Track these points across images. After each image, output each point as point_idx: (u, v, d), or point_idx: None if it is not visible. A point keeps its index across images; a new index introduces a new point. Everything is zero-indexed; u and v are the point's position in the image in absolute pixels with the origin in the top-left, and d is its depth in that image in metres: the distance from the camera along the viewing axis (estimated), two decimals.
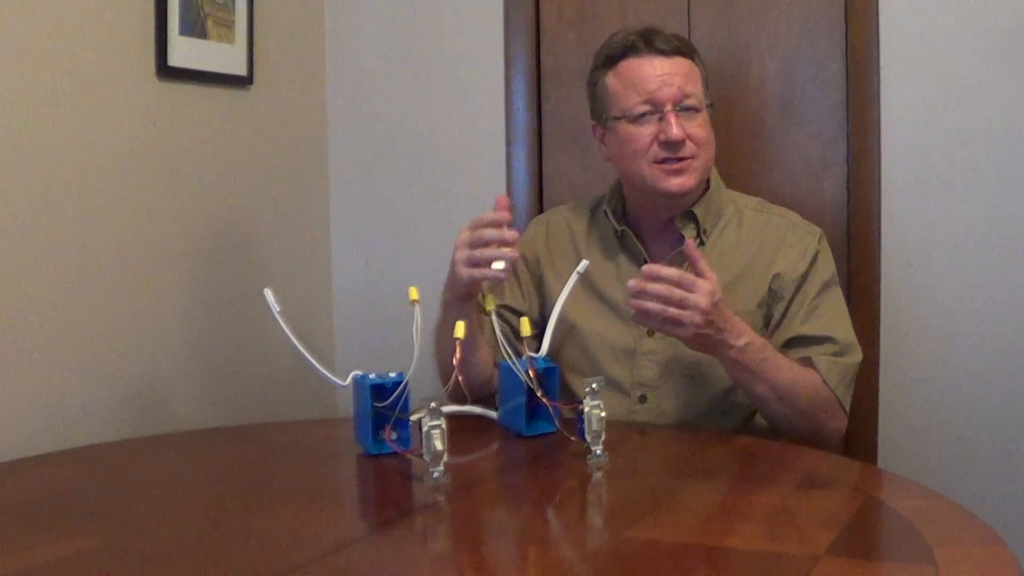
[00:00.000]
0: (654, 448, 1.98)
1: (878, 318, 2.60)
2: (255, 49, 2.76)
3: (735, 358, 1.97)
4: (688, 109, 2.12)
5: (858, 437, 2.58)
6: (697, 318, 1.90)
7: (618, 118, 2.15)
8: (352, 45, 3.04)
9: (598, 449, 1.79)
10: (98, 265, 2.35)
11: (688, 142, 2.11)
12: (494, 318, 1.97)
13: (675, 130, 2.09)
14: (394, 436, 1.79)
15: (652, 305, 1.91)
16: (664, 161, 2.12)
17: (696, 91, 2.13)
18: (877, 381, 2.60)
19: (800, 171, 2.68)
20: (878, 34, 2.58)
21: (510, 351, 1.91)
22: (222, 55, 2.66)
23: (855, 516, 1.56)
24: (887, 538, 1.54)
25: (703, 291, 1.90)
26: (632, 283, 1.91)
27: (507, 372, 1.95)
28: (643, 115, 2.12)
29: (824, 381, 2.06)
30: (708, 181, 2.22)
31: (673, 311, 1.90)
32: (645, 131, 2.12)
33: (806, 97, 2.67)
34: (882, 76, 2.58)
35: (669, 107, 2.10)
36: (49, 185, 2.24)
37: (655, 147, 2.12)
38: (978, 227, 2.53)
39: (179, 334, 2.57)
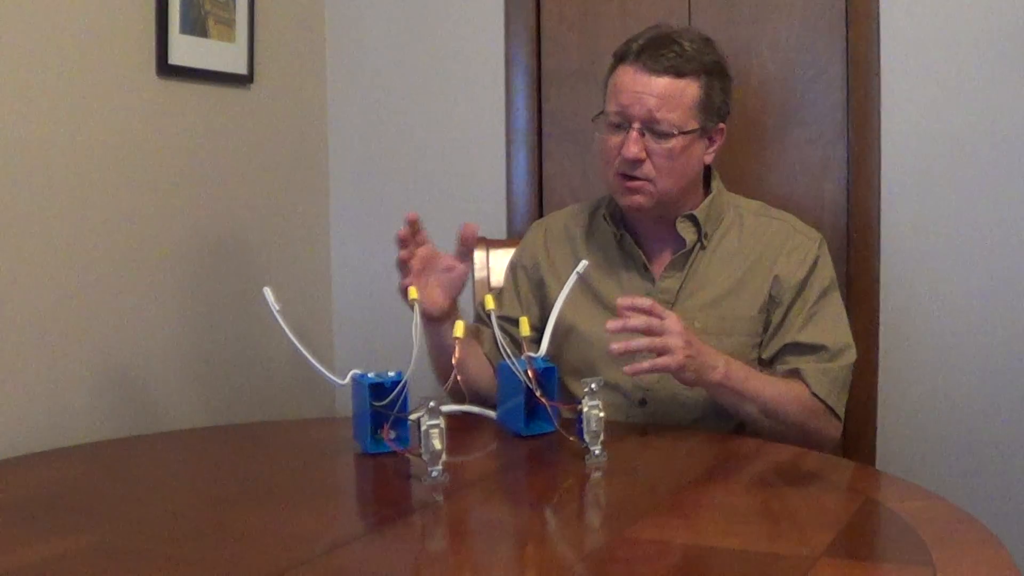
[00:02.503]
0: (653, 448, 1.98)
1: (877, 320, 2.60)
2: (256, 48, 2.76)
3: (720, 381, 1.98)
4: (656, 133, 2.09)
5: (856, 438, 2.59)
6: (679, 340, 1.91)
7: (602, 117, 2.16)
8: (353, 44, 3.04)
9: (597, 449, 1.79)
10: (97, 263, 2.35)
11: (647, 164, 2.09)
12: (494, 322, 1.97)
13: (629, 149, 2.08)
14: (393, 435, 1.79)
15: (639, 342, 1.91)
16: (624, 175, 2.12)
17: (673, 116, 2.08)
18: (876, 383, 2.60)
19: (800, 173, 2.68)
20: (879, 36, 2.58)
21: (509, 352, 1.91)
22: (223, 53, 2.66)
23: (853, 517, 1.56)
24: (885, 539, 1.54)
25: (671, 317, 1.93)
26: (611, 324, 1.90)
27: (506, 372, 1.95)
28: (616, 124, 2.12)
29: (813, 393, 2.07)
30: (710, 185, 2.22)
31: (659, 340, 1.90)
32: (614, 141, 2.12)
33: (806, 99, 2.67)
34: (882, 78, 2.58)
35: (636, 125, 2.08)
36: (48, 182, 2.23)
37: (618, 158, 2.12)
38: (978, 229, 2.53)
39: (178, 332, 2.57)
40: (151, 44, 2.47)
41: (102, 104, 2.35)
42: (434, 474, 1.67)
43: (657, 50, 2.09)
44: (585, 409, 1.80)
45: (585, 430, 1.80)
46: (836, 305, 2.17)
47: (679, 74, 2.09)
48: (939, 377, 2.59)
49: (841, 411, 2.11)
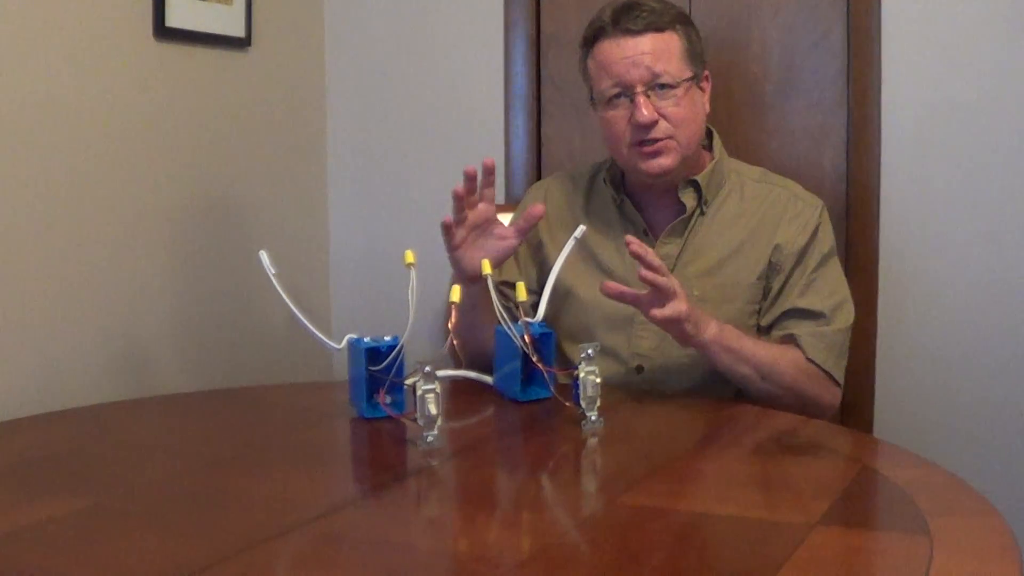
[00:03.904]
0: (649, 415, 1.97)
1: (876, 288, 2.60)
2: (253, 10, 2.74)
3: (715, 338, 1.98)
4: (661, 88, 2.09)
5: (854, 407, 2.58)
6: (683, 296, 1.90)
7: (598, 101, 2.15)
8: (351, 6, 3.02)
9: (593, 415, 1.79)
10: (93, 227, 2.34)
11: (662, 122, 2.09)
12: (491, 284, 1.95)
13: (643, 113, 2.07)
14: (388, 400, 1.79)
15: (635, 290, 1.91)
16: (641, 143, 2.10)
17: (669, 67, 2.09)
18: (874, 351, 2.60)
19: (800, 140, 2.67)
20: (879, 2, 2.56)
21: (506, 316, 1.90)
22: (220, 16, 2.65)
23: (850, 485, 1.56)
24: (882, 507, 1.54)
25: (673, 277, 1.92)
26: (608, 286, 1.91)
27: (503, 337, 1.94)
28: (616, 98, 2.11)
29: (808, 358, 2.07)
30: (712, 150, 2.22)
31: (664, 284, 1.89)
32: (619, 114, 2.11)
33: (807, 65, 2.66)
34: (883, 45, 2.57)
35: (639, 88, 2.08)
36: (44, 146, 2.22)
37: (629, 130, 2.10)
38: (977, 197, 2.52)
39: (174, 296, 2.57)
40: (148, 6, 2.45)
41: (99, 67, 2.34)
42: (429, 439, 1.67)
43: (630, 13, 2.10)
44: (581, 375, 1.79)
45: (581, 396, 1.79)
46: (835, 271, 2.17)
47: (659, 28, 2.10)
48: (938, 346, 2.59)
49: (839, 376, 2.11)
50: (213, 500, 1.50)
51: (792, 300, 2.12)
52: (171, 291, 2.56)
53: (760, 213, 2.17)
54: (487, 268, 1.94)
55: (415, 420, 1.68)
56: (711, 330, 1.98)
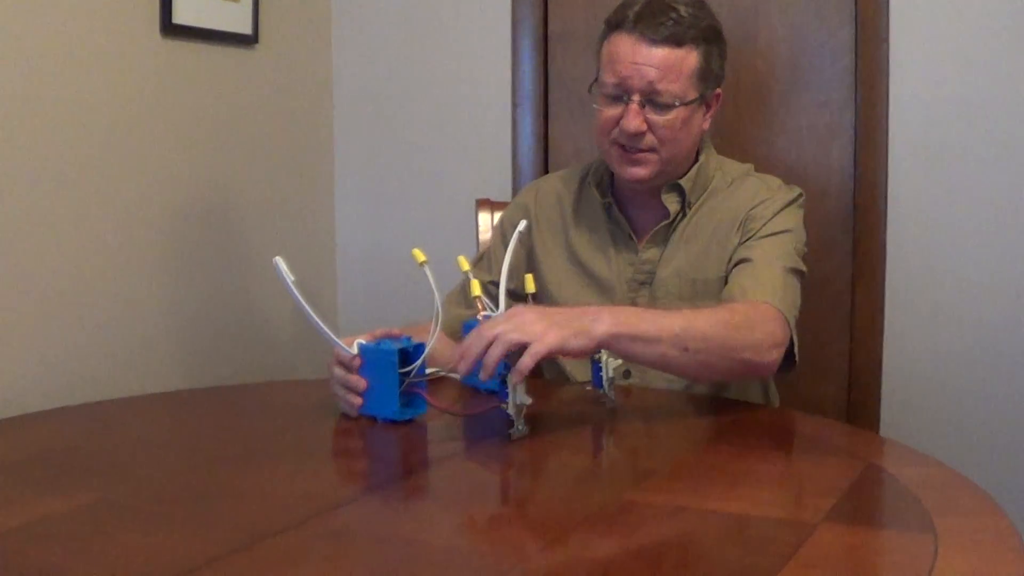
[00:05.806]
0: (653, 413, 1.97)
1: (883, 287, 2.60)
2: (261, 7, 2.75)
3: (610, 331, 1.74)
4: (658, 105, 2.04)
5: (860, 405, 2.59)
6: (530, 327, 1.68)
7: (598, 90, 2.11)
8: (358, 4, 3.03)
9: (611, 394, 1.86)
10: (98, 223, 2.34)
11: (649, 135, 2.05)
12: (472, 280, 1.89)
13: (630, 123, 2.03)
14: (404, 401, 1.78)
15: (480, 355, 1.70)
16: (623, 146, 2.08)
17: (673, 87, 2.03)
18: (880, 349, 2.60)
19: (807, 138, 2.67)
20: (888, 1, 2.56)
21: (490, 304, 1.88)
22: (227, 13, 2.65)
23: (855, 483, 1.55)
24: (886, 505, 1.54)
25: (507, 314, 1.74)
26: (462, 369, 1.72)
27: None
28: (614, 95, 2.07)
29: (739, 296, 1.94)
30: (698, 153, 2.17)
31: (498, 345, 1.68)
32: (612, 112, 2.07)
33: (814, 64, 2.66)
34: (891, 44, 2.57)
35: (636, 97, 2.04)
36: (49, 143, 2.23)
37: (616, 129, 2.07)
38: (984, 196, 2.52)
39: (179, 294, 2.57)
40: (155, 3, 2.46)
41: (106, 63, 2.34)
42: (520, 428, 1.70)
43: (655, 18, 2.04)
44: (605, 357, 1.84)
45: (603, 377, 1.86)
46: (788, 243, 2.06)
47: (678, 43, 2.04)
48: (944, 344, 2.58)
49: (778, 303, 1.93)
50: (219, 495, 1.50)
51: (739, 253, 2.04)
52: (176, 288, 2.56)
53: (733, 207, 2.12)
54: (464, 265, 1.93)
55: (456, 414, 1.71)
56: (602, 325, 1.74)
